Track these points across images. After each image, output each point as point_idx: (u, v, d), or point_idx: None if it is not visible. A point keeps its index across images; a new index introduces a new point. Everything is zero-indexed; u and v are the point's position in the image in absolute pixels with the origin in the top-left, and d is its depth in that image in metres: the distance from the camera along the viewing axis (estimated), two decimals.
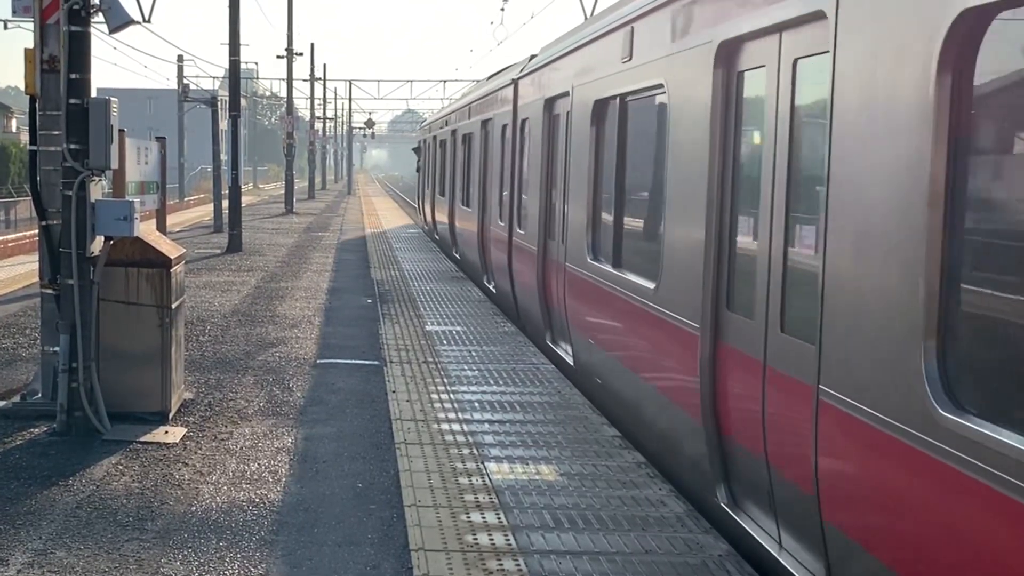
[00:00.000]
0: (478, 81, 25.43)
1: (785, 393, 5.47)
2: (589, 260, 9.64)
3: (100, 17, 8.58)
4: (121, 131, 10.07)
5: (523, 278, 13.62)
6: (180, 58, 56.31)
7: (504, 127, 15.62)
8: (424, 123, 38.62)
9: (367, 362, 11.23)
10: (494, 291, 16.71)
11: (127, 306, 8.51)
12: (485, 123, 17.94)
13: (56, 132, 8.29)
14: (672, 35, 7.35)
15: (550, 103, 12.08)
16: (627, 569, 5.62)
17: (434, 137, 28.65)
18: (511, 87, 14.98)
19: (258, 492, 6.87)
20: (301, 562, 5.71)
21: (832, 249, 4.84)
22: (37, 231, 9.27)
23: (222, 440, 8.11)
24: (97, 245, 8.26)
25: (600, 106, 9.56)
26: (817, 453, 4.94)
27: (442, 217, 25.28)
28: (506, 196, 15.19)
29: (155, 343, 8.54)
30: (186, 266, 9.78)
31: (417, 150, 36.51)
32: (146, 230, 8.91)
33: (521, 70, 14.57)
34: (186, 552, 5.82)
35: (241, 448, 7.90)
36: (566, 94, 10.98)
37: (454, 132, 23.19)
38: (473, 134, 19.63)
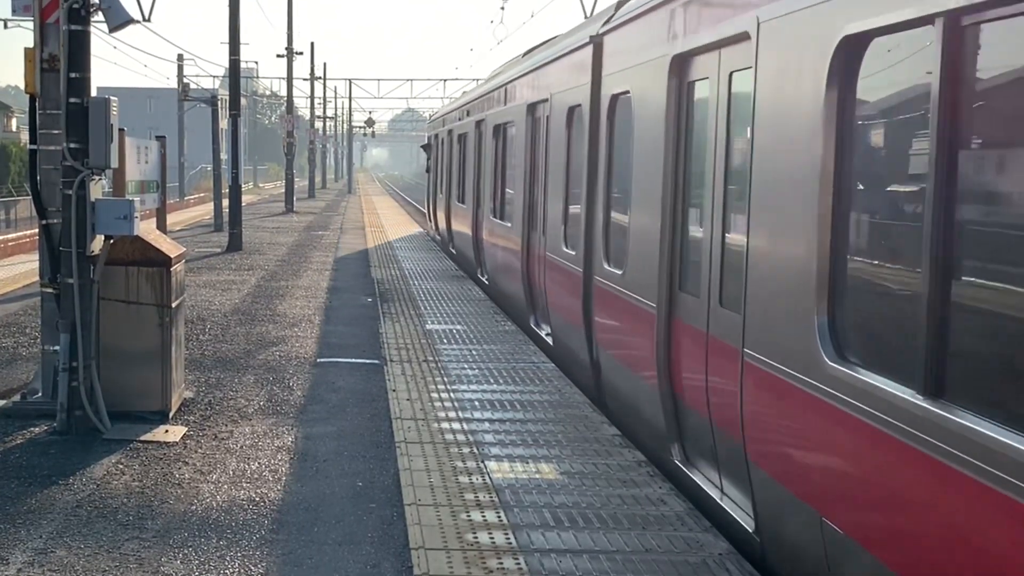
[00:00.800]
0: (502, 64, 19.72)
1: None
2: (825, 362, 4.94)
3: (100, 16, 8.58)
4: (121, 130, 10.07)
5: (623, 346, 8.90)
6: (180, 57, 56.34)
7: (572, 111, 10.84)
8: (436, 115, 31.67)
9: (367, 361, 11.24)
10: (551, 343, 12.06)
11: (127, 305, 8.51)
12: (533, 108, 13.41)
13: (56, 131, 8.29)
14: None
15: (683, 63, 7.37)
16: (627, 567, 5.62)
17: (449, 132, 23.84)
18: (587, 49, 10.06)
19: (258, 491, 6.87)
20: (301, 561, 5.72)
21: None
22: (37, 230, 9.27)
23: (222, 439, 8.11)
24: (97, 244, 8.26)
25: (849, 50, 4.90)
26: None
27: (461, 228, 20.87)
28: (578, 214, 10.30)
29: (155, 342, 8.55)
30: (186, 265, 9.79)
31: (427, 147, 30.64)
32: (146, 229, 8.91)
33: (606, 23, 9.62)
34: (186, 551, 5.82)
35: (241, 447, 7.90)
36: (738, 39, 6.27)
37: (480, 123, 18.57)
38: (512, 124, 14.98)
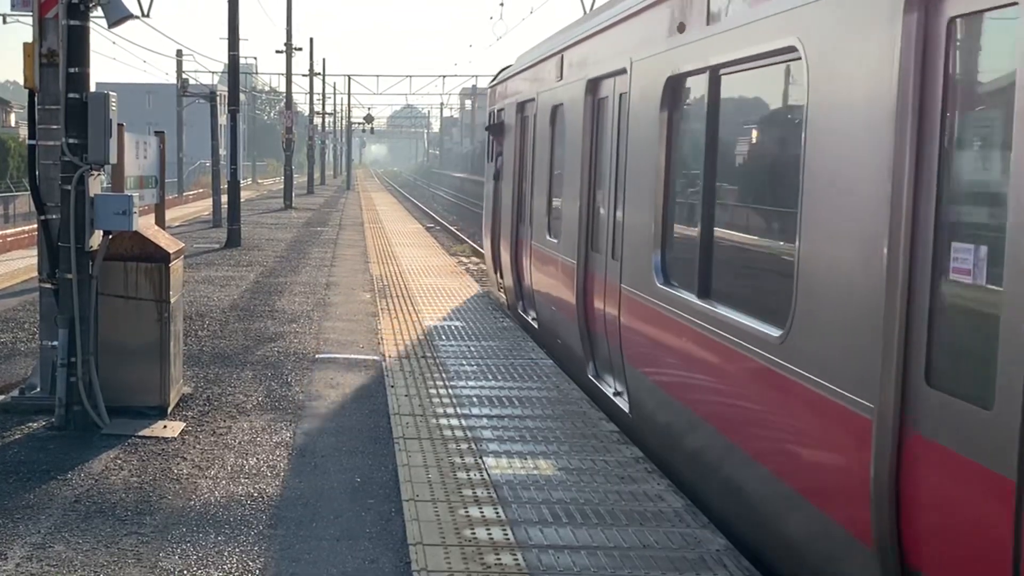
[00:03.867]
0: None
1: None
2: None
3: (99, 11, 8.57)
4: (120, 125, 10.05)
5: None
6: (179, 53, 56.18)
7: None
8: (525, 62, 13.93)
9: (366, 357, 11.24)
10: None
11: (126, 300, 8.51)
12: None
13: (55, 126, 8.29)
14: None
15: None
16: (625, 563, 5.63)
17: (595, 85, 9.87)
18: None
19: (256, 486, 6.88)
20: (299, 556, 5.72)
21: None
22: (36, 225, 9.27)
23: (221, 435, 8.12)
24: (96, 239, 8.27)
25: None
26: None
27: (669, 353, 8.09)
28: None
29: (154, 337, 8.55)
30: (185, 261, 9.78)
31: (495, 130, 16.11)
32: (145, 225, 8.91)
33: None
34: (184, 546, 5.83)
35: (240, 443, 7.91)
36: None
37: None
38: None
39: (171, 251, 8.67)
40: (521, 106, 14.13)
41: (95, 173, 8.25)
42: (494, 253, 16.29)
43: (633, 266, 8.24)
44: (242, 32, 26.12)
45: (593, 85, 9.87)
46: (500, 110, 16.27)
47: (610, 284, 9.06)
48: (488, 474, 7.14)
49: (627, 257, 8.44)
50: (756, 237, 6.55)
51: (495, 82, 17.29)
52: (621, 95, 8.85)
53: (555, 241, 11.34)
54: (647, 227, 7.86)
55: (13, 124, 75.15)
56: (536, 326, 12.98)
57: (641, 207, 8.10)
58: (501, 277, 15.71)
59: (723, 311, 6.37)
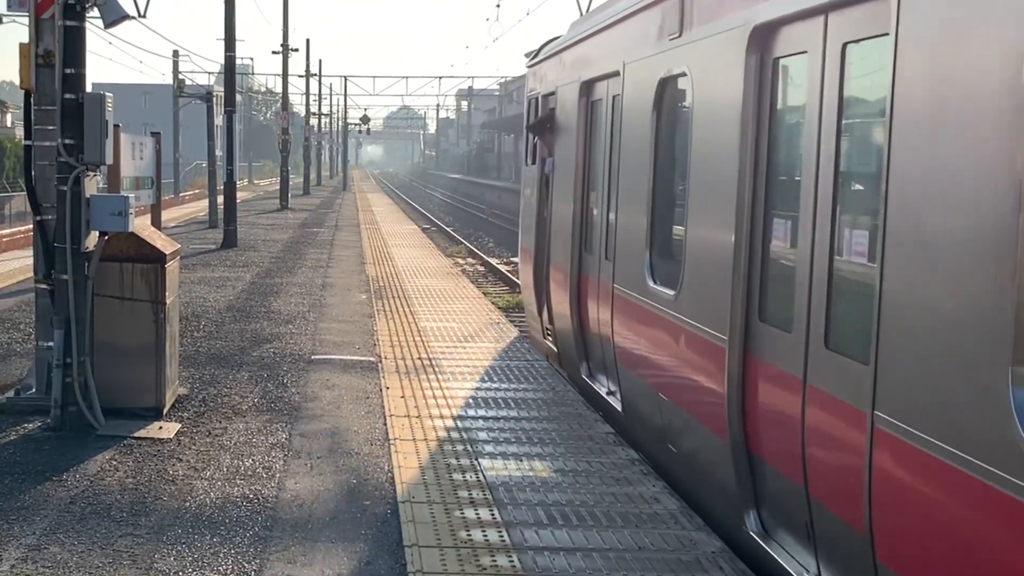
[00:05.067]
0: None
1: None
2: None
3: (95, 12, 8.57)
4: (116, 126, 10.04)
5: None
6: (176, 53, 56.08)
7: None
8: (588, 29, 10.04)
9: (361, 358, 11.24)
10: None
11: (122, 301, 8.50)
12: None
13: (51, 127, 8.28)
14: None
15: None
16: (620, 566, 5.64)
17: (767, 37, 5.77)
18: None
19: (252, 488, 6.87)
20: (295, 558, 5.72)
21: None
22: (32, 226, 9.26)
23: (216, 436, 8.11)
24: (92, 240, 8.26)
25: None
26: None
27: None
28: None
29: (149, 338, 8.54)
30: (181, 261, 9.78)
31: (542, 124, 11.80)
32: (141, 225, 8.91)
33: None
34: (180, 548, 5.82)
35: (235, 444, 7.90)
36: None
37: None
38: None
39: (167, 252, 8.66)
40: (589, 86, 10.00)
41: (91, 174, 8.25)
42: (538, 287, 12.23)
43: (922, 390, 4.09)
44: (238, 33, 26.12)
45: (763, 37, 5.72)
46: (548, 95, 11.83)
47: (832, 404, 4.92)
48: (484, 476, 7.14)
49: (892, 363, 4.29)
50: None
51: (537, 60, 12.87)
52: (847, 45, 4.89)
53: (668, 294, 7.18)
54: (983, 313, 3.70)
55: (9, 124, 75.06)
56: (620, 410, 8.72)
57: (942, 261, 3.96)
58: (550, 322, 11.61)
59: None
